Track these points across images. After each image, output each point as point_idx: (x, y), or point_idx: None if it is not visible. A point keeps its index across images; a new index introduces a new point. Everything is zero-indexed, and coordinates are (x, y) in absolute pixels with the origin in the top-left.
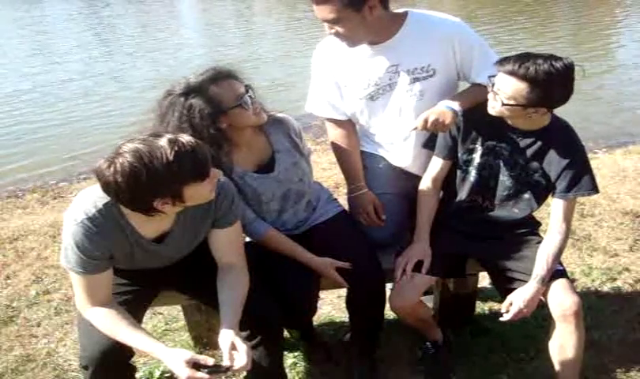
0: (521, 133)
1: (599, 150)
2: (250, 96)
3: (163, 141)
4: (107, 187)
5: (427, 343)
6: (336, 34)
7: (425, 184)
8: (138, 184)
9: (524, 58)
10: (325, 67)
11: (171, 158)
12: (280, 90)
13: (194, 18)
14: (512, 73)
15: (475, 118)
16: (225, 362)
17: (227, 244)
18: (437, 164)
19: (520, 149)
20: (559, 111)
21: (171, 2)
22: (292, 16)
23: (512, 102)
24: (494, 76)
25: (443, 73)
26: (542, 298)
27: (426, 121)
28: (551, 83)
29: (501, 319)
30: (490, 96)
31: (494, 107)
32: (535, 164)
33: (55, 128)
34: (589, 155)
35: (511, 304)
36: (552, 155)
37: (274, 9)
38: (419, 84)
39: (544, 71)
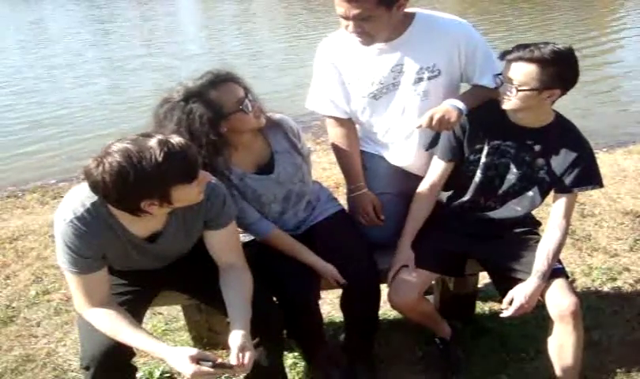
0: (526, 131)
1: (599, 150)
2: (249, 100)
3: (152, 142)
4: (94, 187)
5: (436, 339)
6: (360, 32)
7: (422, 191)
8: (126, 184)
9: (526, 44)
10: (330, 64)
11: (160, 159)
12: (280, 89)
13: (194, 18)
14: (520, 59)
15: (479, 117)
16: (232, 361)
17: (224, 244)
18: (438, 167)
19: (526, 146)
20: (560, 110)
21: (172, 2)
22: (292, 15)
23: (525, 87)
24: (500, 73)
25: (448, 74)
26: (540, 297)
27: (431, 118)
28: (560, 61)
29: (501, 315)
30: (502, 90)
31: (508, 100)
32: (541, 161)
33: (55, 128)
34: None
35: (512, 300)
36: (558, 151)
37: (274, 8)
38: (424, 83)
39: (551, 50)
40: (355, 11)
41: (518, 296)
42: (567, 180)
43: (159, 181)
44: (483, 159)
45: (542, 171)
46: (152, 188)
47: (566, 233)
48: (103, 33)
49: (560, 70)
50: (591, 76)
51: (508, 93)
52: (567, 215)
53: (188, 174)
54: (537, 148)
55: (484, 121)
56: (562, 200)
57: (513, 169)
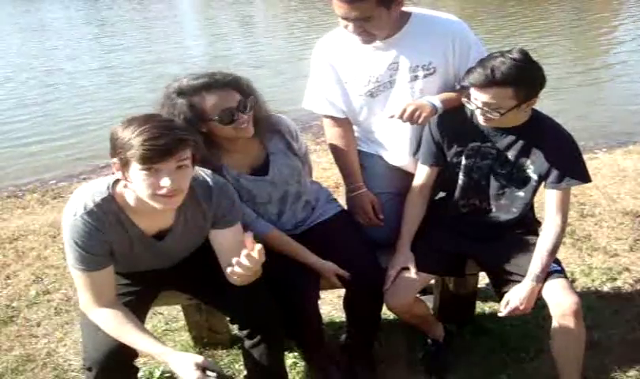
0: (505, 131)
1: (599, 150)
2: (240, 110)
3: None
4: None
5: (429, 340)
6: (361, 32)
7: (412, 193)
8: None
9: (487, 64)
10: (326, 63)
11: (141, 124)
12: (280, 89)
13: (197, 22)
14: (493, 84)
15: (456, 120)
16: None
17: (232, 244)
18: (423, 172)
19: (506, 147)
20: (560, 110)
21: (172, 2)
22: (292, 14)
23: (506, 108)
24: (467, 88)
25: (443, 72)
26: (543, 297)
27: (404, 110)
28: (528, 71)
29: (499, 314)
30: (478, 112)
31: (490, 120)
32: (524, 159)
33: (55, 128)
34: (589, 155)
35: (508, 303)
36: (540, 147)
37: (274, 8)
38: (420, 81)
39: (514, 65)
40: (356, 12)
41: (513, 299)
42: (554, 175)
43: (123, 144)
44: (463, 162)
45: (528, 170)
46: (118, 146)
47: (562, 230)
48: (103, 34)
49: (532, 80)
50: (591, 76)
51: (489, 115)
52: (561, 211)
53: (143, 156)
54: (518, 146)
55: (462, 124)
56: (554, 195)
57: (498, 170)
